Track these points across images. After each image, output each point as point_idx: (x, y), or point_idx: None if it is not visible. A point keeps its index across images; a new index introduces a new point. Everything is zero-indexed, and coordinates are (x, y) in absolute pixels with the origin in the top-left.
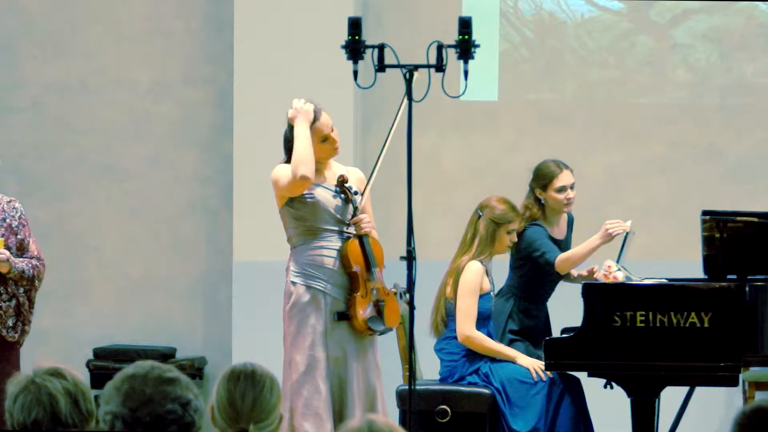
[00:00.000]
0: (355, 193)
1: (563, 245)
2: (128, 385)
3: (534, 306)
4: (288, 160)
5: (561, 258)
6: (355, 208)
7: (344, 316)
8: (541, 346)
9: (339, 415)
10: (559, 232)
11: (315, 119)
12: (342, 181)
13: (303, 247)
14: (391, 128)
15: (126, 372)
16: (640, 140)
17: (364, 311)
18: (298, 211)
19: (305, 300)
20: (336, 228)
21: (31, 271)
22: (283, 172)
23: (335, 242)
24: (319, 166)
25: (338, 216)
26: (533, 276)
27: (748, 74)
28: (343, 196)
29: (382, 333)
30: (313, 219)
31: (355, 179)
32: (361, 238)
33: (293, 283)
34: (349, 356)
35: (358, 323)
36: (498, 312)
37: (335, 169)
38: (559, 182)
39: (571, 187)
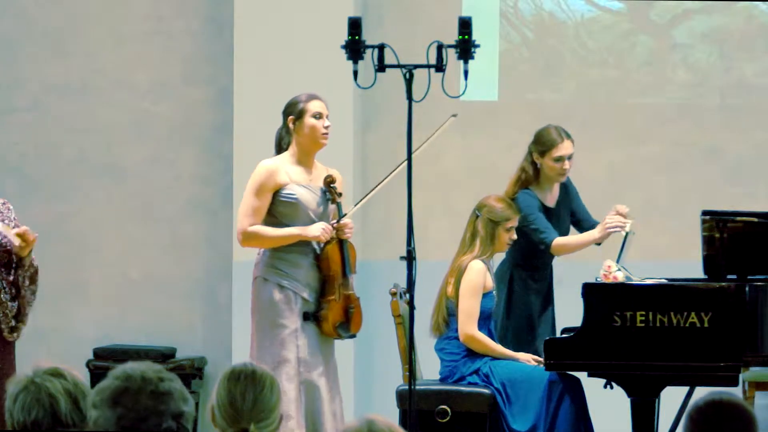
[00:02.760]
0: (339, 194)
1: (555, 213)
2: (121, 406)
3: (534, 273)
4: (277, 153)
5: (558, 243)
6: (340, 212)
7: (314, 317)
8: (545, 311)
9: (312, 420)
10: (551, 199)
11: (304, 111)
12: (329, 182)
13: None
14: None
15: (117, 385)
16: (640, 140)
17: (335, 316)
18: (277, 208)
19: (277, 298)
20: None
21: (35, 262)
22: (253, 181)
23: (310, 244)
24: (306, 164)
25: (316, 219)
26: (527, 247)
27: (748, 74)
28: (328, 196)
29: (346, 338)
30: (291, 219)
31: (338, 181)
32: (342, 242)
33: (265, 279)
34: (319, 357)
35: (328, 327)
36: (498, 280)
37: (320, 170)
38: (557, 152)
39: (569, 158)
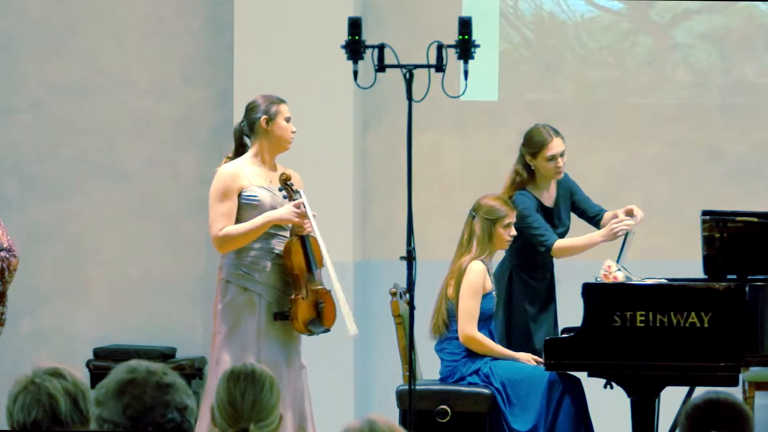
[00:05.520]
0: (296, 192)
1: (554, 212)
2: (127, 395)
3: (533, 273)
4: (236, 154)
5: (559, 246)
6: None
7: (283, 316)
8: (547, 310)
9: None
10: (549, 198)
11: (278, 113)
12: (285, 179)
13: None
14: None
15: (122, 377)
16: (640, 140)
17: (305, 313)
18: (240, 212)
19: (240, 300)
20: (275, 231)
21: (0, 263)
22: (217, 187)
23: (274, 244)
24: (269, 165)
25: None
26: (525, 247)
27: (748, 74)
28: (285, 195)
29: (319, 334)
30: None
31: (295, 180)
32: (303, 238)
33: (228, 282)
34: (280, 360)
35: (299, 325)
36: (497, 280)
37: (281, 171)
38: (549, 151)
39: (561, 155)
